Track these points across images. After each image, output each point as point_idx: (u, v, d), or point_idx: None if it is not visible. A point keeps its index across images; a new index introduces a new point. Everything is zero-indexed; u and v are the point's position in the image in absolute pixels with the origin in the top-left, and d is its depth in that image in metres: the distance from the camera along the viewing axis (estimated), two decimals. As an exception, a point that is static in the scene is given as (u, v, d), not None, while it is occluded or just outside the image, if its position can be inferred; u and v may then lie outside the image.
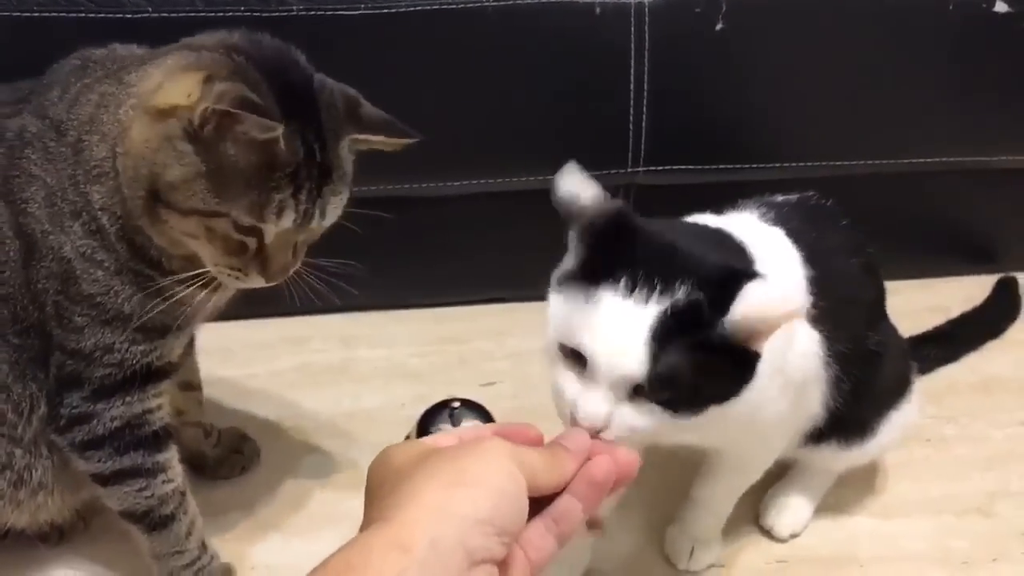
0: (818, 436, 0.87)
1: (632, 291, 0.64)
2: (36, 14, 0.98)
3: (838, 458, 0.93)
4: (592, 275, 0.67)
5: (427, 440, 0.60)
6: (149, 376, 0.81)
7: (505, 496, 0.53)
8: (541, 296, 1.28)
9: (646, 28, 1.06)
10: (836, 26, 1.11)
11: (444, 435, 0.61)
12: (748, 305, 0.62)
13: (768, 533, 0.98)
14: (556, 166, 1.15)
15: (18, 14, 0.98)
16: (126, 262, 0.76)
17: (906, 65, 1.14)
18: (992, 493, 1.03)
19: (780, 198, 0.88)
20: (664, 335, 0.63)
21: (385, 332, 1.23)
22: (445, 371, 1.18)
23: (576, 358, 0.67)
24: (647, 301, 0.64)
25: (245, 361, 1.17)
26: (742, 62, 1.11)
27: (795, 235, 0.81)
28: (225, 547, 0.96)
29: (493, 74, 1.07)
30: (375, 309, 1.23)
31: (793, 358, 0.76)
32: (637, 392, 0.65)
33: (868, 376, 0.86)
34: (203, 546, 0.89)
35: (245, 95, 0.68)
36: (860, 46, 1.12)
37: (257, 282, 0.77)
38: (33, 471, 0.83)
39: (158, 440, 0.83)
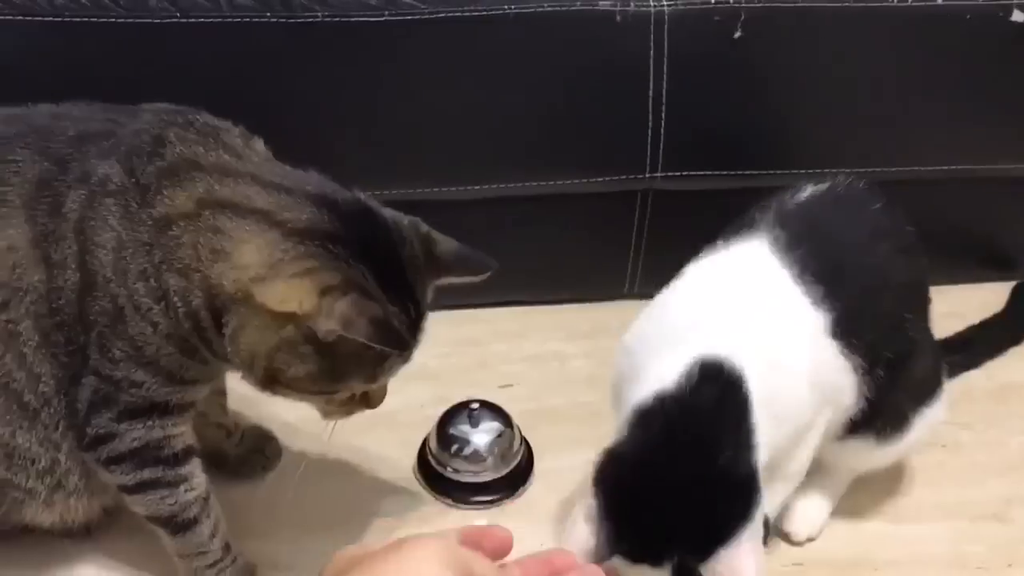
0: (853, 427, 0.88)
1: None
2: (67, 19, 1.00)
3: (871, 454, 0.93)
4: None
5: (365, 546, 0.56)
6: (172, 409, 0.83)
7: None
8: (559, 300, 1.30)
9: (665, 36, 1.07)
10: (853, 34, 1.11)
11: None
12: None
13: (785, 536, 0.98)
14: (575, 171, 1.17)
15: (50, 19, 1.00)
16: (183, 333, 0.79)
17: (923, 73, 1.14)
18: (1008, 499, 1.04)
19: (806, 194, 0.87)
20: None
21: (404, 334, 1.24)
22: (464, 373, 1.19)
23: None
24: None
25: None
26: (760, 70, 1.12)
27: (806, 260, 0.81)
28: (247, 547, 0.97)
29: (513, 80, 1.09)
30: (395, 311, 1.24)
31: (814, 366, 0.78)
32: None
33: (904, 359, 0.86)
34: (227, 547, 0.91)
35: (372, 316, 0.73)
36: (877, 54, 1.13)
37: (360, 411, 0.86)
38: (71, 476, 0.86)
39: (178, 458, 0.85)
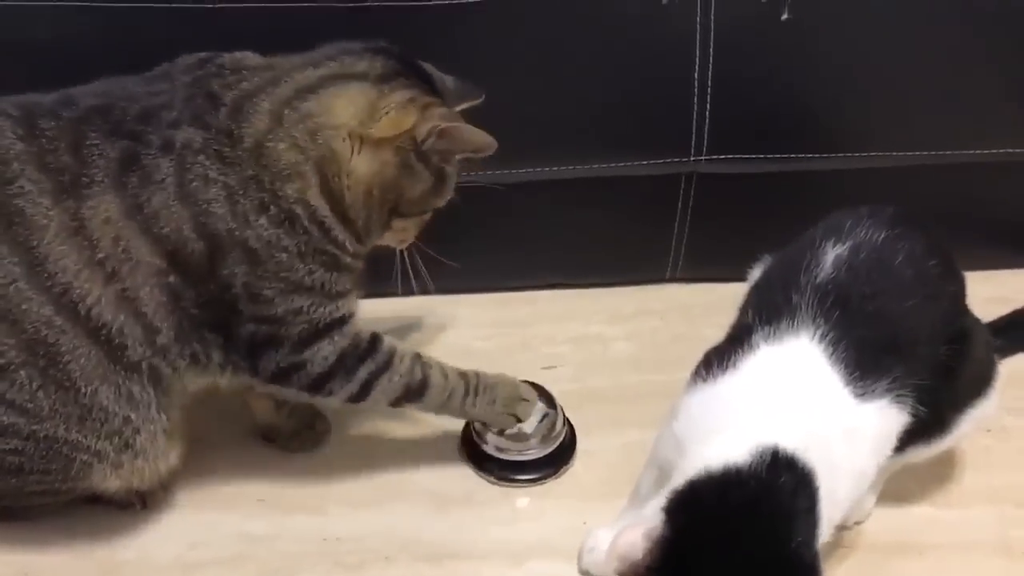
0: (901, 443, 0.87)
1: None
2: (109, 4, 1.01)
3: (917, 454, 0.93)
4: None
5: None
6: (339, 322, 0.91)
7: None
8: (602, 282, 1.31)
9: (712, 18, 1.06)
10: (902, 15, 1.10)
11: None
12: None
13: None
14: (620, 154, 1.18)
15: (92, 3, 1.02)
16: (314, 244, 0.86)
17: (975, 55, 1.13)
18: (1054, 485, 1.03)
19: (830, 261, 0.85)
20: None
21: (451, 315, 1.25)
22: (508, 354, 1.20)
23: None
24: None
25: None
26: (806, 52, 1.11)
27: (849, 348, 0.81)
28: (299, 519, 1.00)
29: (559, 62, 1.09)
30: (441, 293, 1.25)
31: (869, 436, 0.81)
32: None
33: (942, 390, 0.86)
34: (462, 374, 0.99)
35: (458, 119, 0.88)
36: (925, 36, 1.11)
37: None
38: (139, 436, 0.89)
39: (374, 343, 0.93)
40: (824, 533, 0.76)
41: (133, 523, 0.99)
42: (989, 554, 0.97)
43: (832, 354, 0.81)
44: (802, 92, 1.14)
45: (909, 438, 0.87)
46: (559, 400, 1.09)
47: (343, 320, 0.91)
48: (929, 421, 0.87)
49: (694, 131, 1.13)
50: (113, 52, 1.02)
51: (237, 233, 0.84)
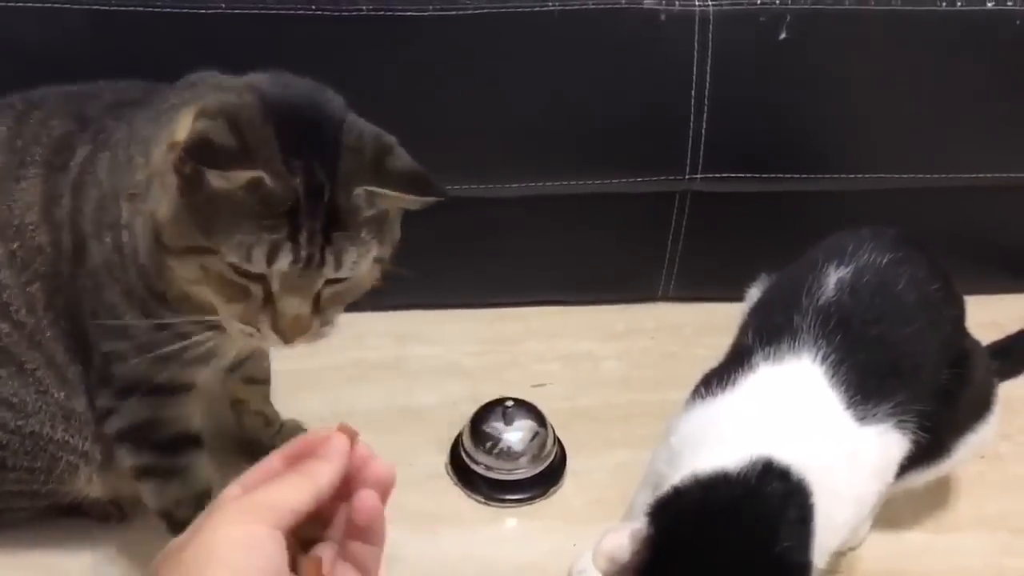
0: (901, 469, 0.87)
1: None
2: (112, 8, 1.00)
3: (915, 480, 0.92)
4: None
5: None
6: (161, 389, 0.81)
7: (241, 571, 0.49)
8: (593, 300, 1.30)
9: (710, 36, 1.06)
10: (899, 38, 1.10)
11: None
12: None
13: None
14: (614, 171, 1.17)
15: (95, 7, 1.00)
16: (135, 286, 0.76)
17: (969, 78, 1.13)
18: (1048, 512, 1.02)
19: (832, 283, 0.84)
20: None
21: (439, 331, 1.24)
22: (497, 371, 1.19)
23: None
24: None
25: (302, 354, 1.17)
26: (804, 72, 1.11)
27: (850, 371, 0.80)
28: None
29: (555, 77, 1.08)
30: (430, 308, 1.25)
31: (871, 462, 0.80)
32: None
33: (942, 415, 0.86)
34: None
35: (207, 137, 0.66)
36: (922, 59, 1.11)
37: (271, 340, 0.72)
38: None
39: (173, 444, 0.84)
40: (820, 558, 0.75)
41: (107, 536, 0.96)
42: (982, 581, 0.96)
43: (833, 376, 0.80)
44: (798, 112, 1.13)
45: (910, 463, 0.86)
46: (549, 418, 1.08)
47: (161, 389, 0.80)
48: (929, 445, 0.86)
49: (689, 149, 1.12)
50: (100, 54, 1.02)
51: (92, 243, 0.77)
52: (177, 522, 0.86)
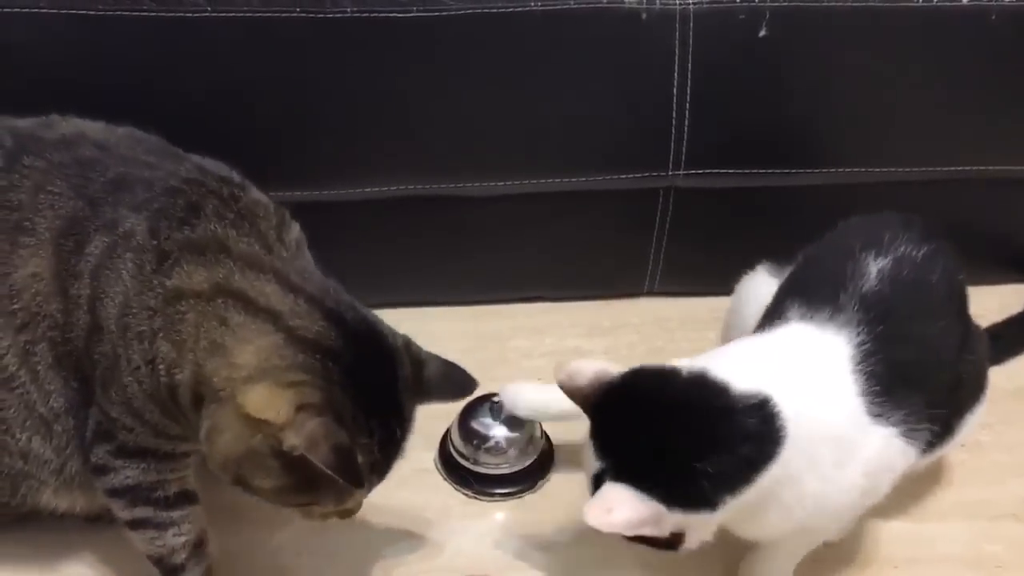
0: None
1: None
2: (97, 12, 1.01)
3: (919, 464, 0.93)
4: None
5: None
6: (166, 456, 0.84)
7: None
8: (580, 296, 1.31)
9: (690, 34, 1.07)
10: (878, 33, 1.11)
11: None
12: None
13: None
14: (598, 168, 1.18)
15: (80, 12, 1.01)
16: (163, 400, 0.79)
17: (947, 73, 1.14)
18: (1027, 499, 1.04)
19: (875, 271, 0.85)
20: None
21: (426, 328, 1.22)
22: (485, 368, 1.16)
23: None
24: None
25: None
26: (784, 68, 1.12)
27: (865, 341, 0.81)
28: (273, 534, 0.99)
29: (538, 77, 1.09)
30: (416, 305, 1.25)
31: (869, 457, 0.81)
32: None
33: (952, 401, 0.88)
34: None
35: (336, 443, 0.72)
36: (902, 54, 1.12)
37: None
38: (79, 476, 0.87)
39: (170, 501, 0.86)
40: (767, 526, 0.79)
41: (96, 539, 0.97)
42: (962, 568, 0.97)
43: (861, 363, 0.81)
44: (780, 107, 1.14)
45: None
46: (536, 414, 1.08)
47: (166, 456, 0.84)
48: (935, 434, 0.87)
49: (672, 145, 1.13)
50: (85, 58, 1.02)
51: (113, 335, 0.78)
52: (172, 567, 0.88)
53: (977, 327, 0.98)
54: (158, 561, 0.88)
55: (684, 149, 1.13)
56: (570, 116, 1.12)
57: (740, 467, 0.75)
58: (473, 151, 1.13)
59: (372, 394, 0.76)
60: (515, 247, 1.24)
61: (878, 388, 0.80)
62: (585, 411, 0.81)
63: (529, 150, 1.14)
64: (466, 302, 1.28)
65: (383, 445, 0.77)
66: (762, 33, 1.08)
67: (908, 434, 0.82)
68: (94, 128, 0.87)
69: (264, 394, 0.73)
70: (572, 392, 0.81)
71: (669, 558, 0.96)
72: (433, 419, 1.08)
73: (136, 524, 0.87)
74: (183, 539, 0.87)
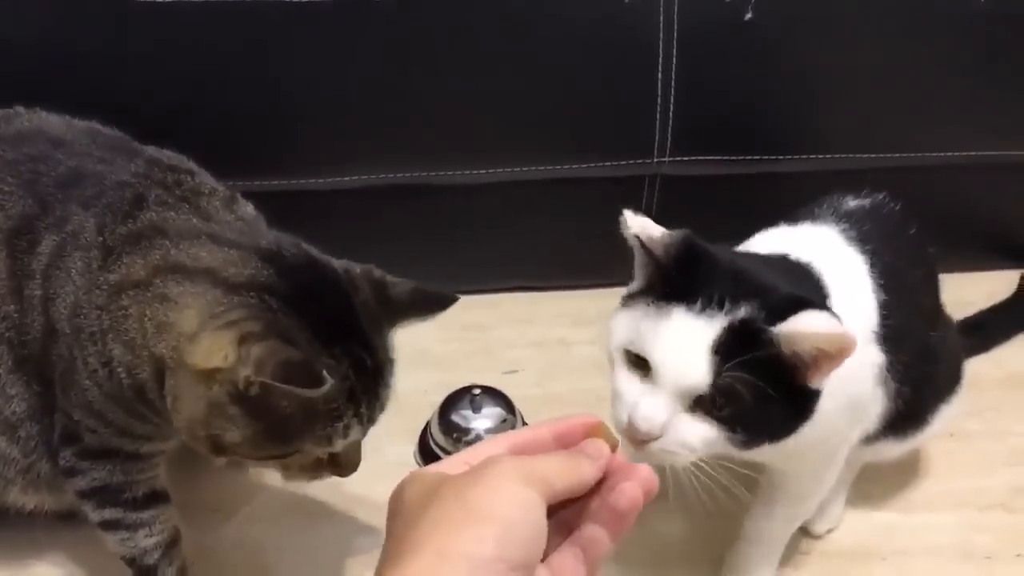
0: (870, 437, 0.87)
1: (703, 310, 0.67)
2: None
3: (889, 451, 0.92)
4: (665, 295, 0.70)
5: (439, 468, 0.57)
6: (133, 456, 0.83)
7: (515, 527, 0.51)
8: (564, 285, 1.29)
9: (675, 17, 1.05)
10: (865, 16, 1.10)
11: (458, 457, 0.58)
12: (796, 323, 0.65)
13: (804, 530, 0.97)
14: (582, 155, 1.16)
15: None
16: (126, 400, 0.76)
17: (935, 57, 1.13)
18: (1016, 488, 1.03)
19: (854, 203, 0.87)
20: (726, 349, 0.66)
21: (408, 319, 1.23)
22: (468, 358, 1.18)
23: (641, 365, 0.69)
24: (713, 316, 0.67)
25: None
26: (770, 52, 1.10)
27: (873, 258, 0.81)
28: (253, 530, 0.98)
29: (520, 61, 1.07)
30: (399, 296, 1.24)
31: (855, 385, 0.77)
32: (698, 404, 0.67)
33: (927, 377, 0.86)
34: None
35: (284, 358, 0.68)
36: (889, 37, 1.11)
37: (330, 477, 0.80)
38: (47, 476, 0.86)
39: (138, 502, 0.84)
40: None
41: (66, 538, 0.95)
42: (951, 558, 0.96)
43: (858, 247, 0.81)
44: (765, 93, 1.13)
45: (884, 430, 0.86)
46: (520, 405, 1.07)
47: (132, 456, 0.82)
48: (905, 414, 0.86)
49: (657, 132, 1.12)
50: (63, 48, 1.00)
51: (68, 337, 0.77)
52: (145, 568, 0.86)
53: (951, 321, 0.97)
54: (131, 562, 0.87)
55: (669, 135, 1.12)
56: (553, 102, 1.10)
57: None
58: (454, 138, 1.11)
59: (321, 318, 0.72)
60: (498, 236, 1.23)
61: (878, 275, 0.80)
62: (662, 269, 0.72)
63: (510, 138, 1.12)
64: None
65: (357, 370, 0.72)
66: (748, 16, 1.06)
67: (885, 378, 0.80)
68: (53, 122, 0.85)
69: (207, 343, 0.70)
70: (644, 240, 0.73)
71: (659, 551, 0.95)
72: (413, 412, 1.08)
73: (107, 525, 0.85)
74: (154, 540, 0.86)
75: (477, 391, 1.05)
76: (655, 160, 1.14)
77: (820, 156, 1.18)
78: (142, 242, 0.75)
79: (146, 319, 0.73)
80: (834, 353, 0.65)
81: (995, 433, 1.09)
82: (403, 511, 0.54)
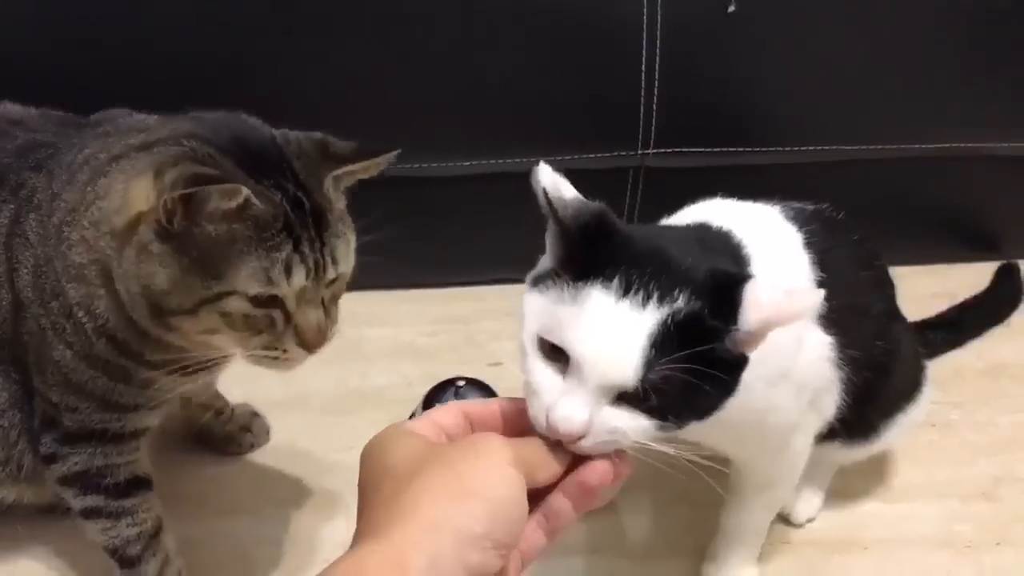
0: (823, 436, 0.86)
1: (625, 293, 0.60)
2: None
3: (840, 456, 0.93)
4: (577, 273, 0.62)
5: (420, 429, 0.56)
6: (114, 438, 0.81)
7: (504, 506, 0.51)
8: (549, 277, 1.29)
9: (659, 9, 1.05)
10: (849, 8, 1.10)
11: (426, 418, 0.58)
12: (761, 309, 0.58)
13: (785, 519, 0.98)
14: (565, 147, 1.16)
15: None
16: (99, 353, 0.75)
17: (917, 50, 1.13)
18: (997, 478, 1.04)
19: (797, 204, 0.86)
20: (664, 344, 0.58)
21: (393, 311, 1.23)
22: (453, 351, 1.18)
23: (557, 355, 0.61)
24: (644, 306, 0.59)
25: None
26: (754, 44, 1.10)
27: (809, 238, 0.80)
28: (234, 522, 0.97)
29: (504, 53, 1.07)
30: (383, 288, 1.24)
31: (804, 363, 0.76)
32: (621, 397, 0.60)
33: (876, 382, 0.85)
34: None
35: (195, 171, 0.67)
36: (872, 29, 1.11)
37: (299, 355, 0.75)
38: (28, 467, 0.85)
39: (120, 488, 0.84)
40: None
41: (46, 531, 0.95)
42: (933, 548, 0.97)
43: (797, 225, 0.80)
44: (749, 85, 1.13)
45: (835, 432, 0.86)
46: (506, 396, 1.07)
47: (114, 437, 0.81)
48: (856, 422, 0.86)
49: (642, 124, 1.12)
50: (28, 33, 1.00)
51: (34, 306, 0.76)
52: (128, 558, 0.85)
53: (909, 329, 0.96)
54: (113, 552, 0.86)
55: (654, 128, 1.12)
56: (536, 93, 1.10)
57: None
58: (437, 130, 1.11)
59: (246, 156, 0.71)
60: (481, 228, 1.22)
61: (815, 254, 0.77)
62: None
63: (491, 130, 1.12)
64: (433, 285, 1.27)
65: (293, 205, 0.70)
66: (731, 8, 1.06)
67: (836, 361, 0.79)
68: (12, 108, 0.85)
69: (130, 195, 0.69)
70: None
71: (643, 541, 0.96)
72: (399, 404, 1.07)
73: (88, 513, 0.84)
74: (137, 529, 0.85)
75: (461, 383, 1.04)
76: (639, 152, 1.14)
77: (804, 148, 1.18)
78: (76, 175, 0.75)
79: (84, 229, 0.72)
80: (794, 320, 0.60)
81: (976, 423, 1.10)
82: (385, 479, 0.54)
